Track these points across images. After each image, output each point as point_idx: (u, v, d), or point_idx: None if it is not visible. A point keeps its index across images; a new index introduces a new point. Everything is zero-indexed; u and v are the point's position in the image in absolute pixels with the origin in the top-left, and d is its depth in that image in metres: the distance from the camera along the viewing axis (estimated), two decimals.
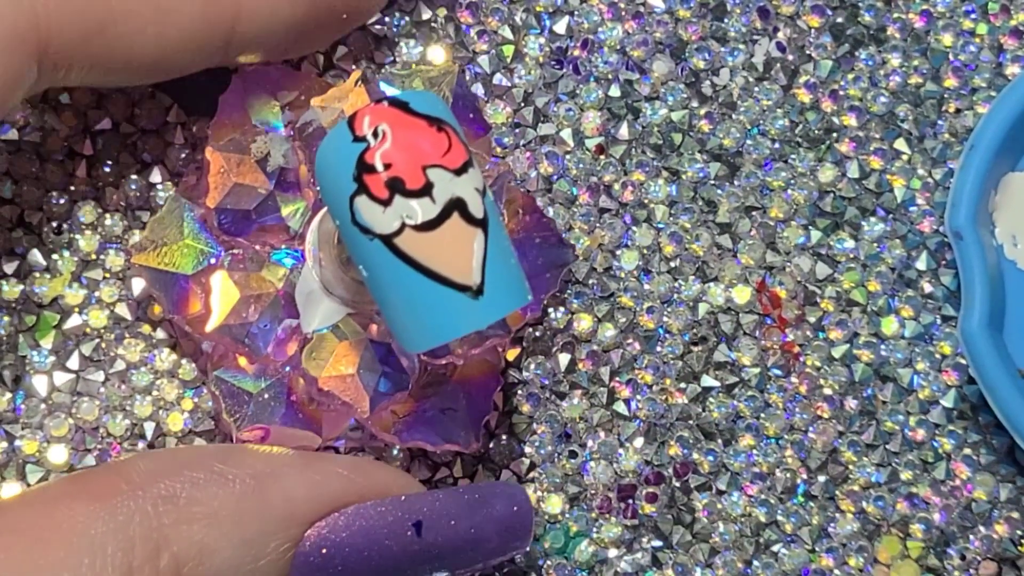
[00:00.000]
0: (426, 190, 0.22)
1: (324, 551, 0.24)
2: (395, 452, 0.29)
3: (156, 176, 0.30)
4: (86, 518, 0.22)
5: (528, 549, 0.28)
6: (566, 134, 0.31)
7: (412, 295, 0.22)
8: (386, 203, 0.22)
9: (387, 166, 0.22)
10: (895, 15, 0.33)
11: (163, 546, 0.22)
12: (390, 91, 0.28)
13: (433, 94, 0.23)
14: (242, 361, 0.27)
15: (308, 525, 0.24)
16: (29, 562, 0.21)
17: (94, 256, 0.29)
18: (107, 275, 0.29)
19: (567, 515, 0.30)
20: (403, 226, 0.22)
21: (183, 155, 0.30)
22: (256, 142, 0.27)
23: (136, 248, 0.28)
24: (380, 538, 0.24)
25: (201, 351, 0.29)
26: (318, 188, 0.24)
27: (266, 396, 0.27)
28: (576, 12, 0.32)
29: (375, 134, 0.22)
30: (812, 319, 0.31)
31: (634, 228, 0.31)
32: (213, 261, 0.27)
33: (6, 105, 0.23)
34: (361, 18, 0.29)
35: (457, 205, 0.22)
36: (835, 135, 0.32)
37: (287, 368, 0.27)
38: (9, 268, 0.29)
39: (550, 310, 0.31)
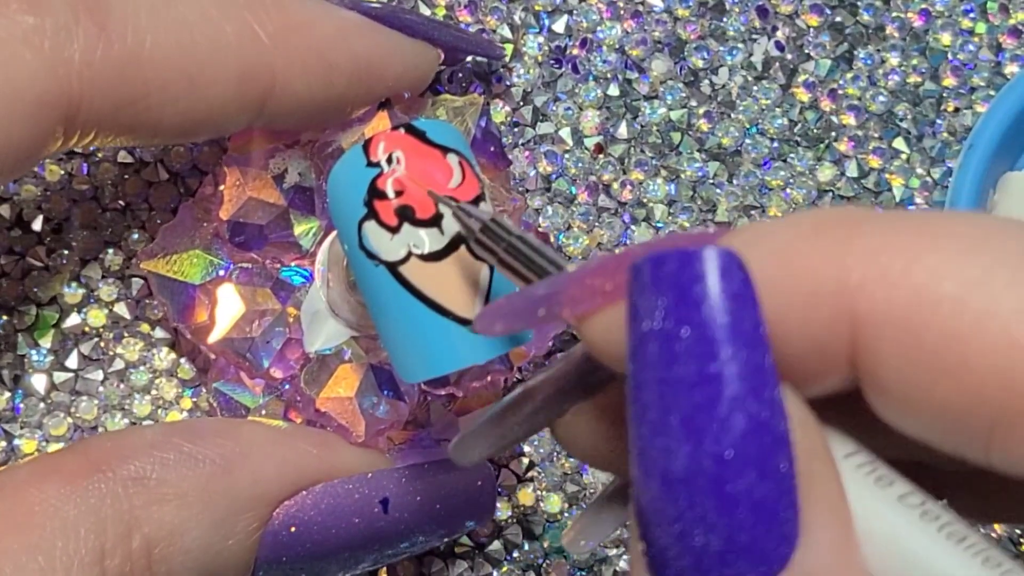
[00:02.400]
0: (435, 221, 0.22)
1: (293, 529, 0.24)
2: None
3: (156, 176, 0.30)
4: (58, 501, 0.22)
5: (491, 519, 0.28)
6: (565, 133, 0.31)
7: (413, 324, 0.22)
8: (394, 230, 0.22)
9: (398, 193, 0.22)
10: (894, 14, 0.33)
11: (134, 528, 0.22)
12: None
13: (451, 125, 0.23)
14: (245, 379, 0.28)
15: (277, 504, 0.24)
16: (1, 547, 0.21)
17: (93, 255, 0.29)
18: (106, 274, 0.29)
19: (566, 514, 0.30)
20: (409, 255, 0.22)
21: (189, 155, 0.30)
22: (274, 158, 0.27)
23: (145, 254, 0.28)
24: (348, 515, 0.25)
25: (200, 350, 0.29)
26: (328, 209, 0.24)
27: (263, 412, 0.27)
28: (575, 11, 0.32)
29: (389, 160, 0.22)
30: None
31: (633, 227, 0.31)
32: (222, 273, 0.27)
33: (26, 166, 0.23)
34: (397, 100, 0.28)
35: (465, 238, 0.22)
36: (834, 134, 0.32)
37: (286, 385, 0.27)
38: (8, 267, 0.29)
39: None
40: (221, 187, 0.27)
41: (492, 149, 0.28)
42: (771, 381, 0.15)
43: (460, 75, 0.31)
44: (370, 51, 0.26)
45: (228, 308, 0.27)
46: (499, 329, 0.19)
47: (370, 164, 0.22)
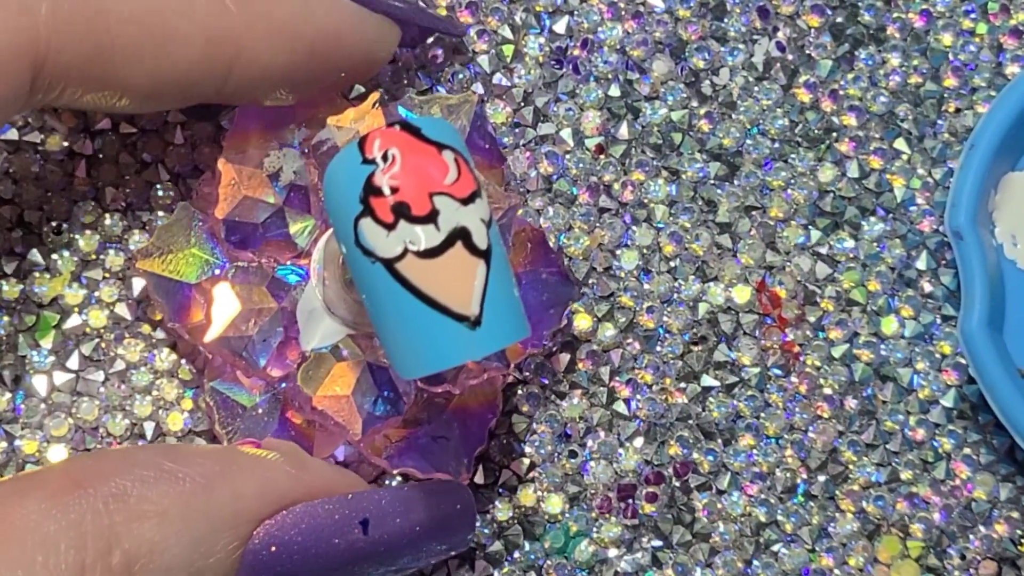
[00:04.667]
0: (431, 217, 0.22)
1: (273, 548, 0.24)
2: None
3: (156, 176, 0.30)
4: (39, 516, 0.22)
5: (471, 544, 0.28)
6: (566, 134, 0.31)
7: (409, 321, 0.22)
8: (390, 227, 0.22)
9: (394, 190, 0.22)
10: (895, 15, 0.33)
11: (114, 544, 0.22)
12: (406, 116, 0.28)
13: (446, 121, 0.23)
14: (242, 377, 0.28)
15: (257, 523, 0.24)
16: None
17: (94, 256, 0.29)
18: (107, 275, 0.29)
19: (567, 515, 0.30)
20: (405, 251, 0.22)
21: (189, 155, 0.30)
22: (269, 156, 0.27)
23: (141, 254, 0.28)
24: (327, 536, 0.25)
25: (199, 351, 0.29)
26: (324, 207, 0.24)
27: (260, 411, 0.27)
28: (576, 12, 0.32)
29: (384, 157, 0.22)
30: (812, 319, 0.31)
31: (634, 228, 0.31)
32: (217, 272, 0.27)
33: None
34: (359, 78, 0.29)
35: (461, 234, 0.22)
36: (835, 135, 0.32)
37: (283, 384, 0.27)
38: (9, 268, 0.29)
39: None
40: (218, 187, 0.27)
41: (487, 147, 0.28)
42: None
43: (461, 76, 0.31)
44: (332, 23, 0.27)
45: (224, 307, 0.27)
46: None
47: (366, 161, 0.22)
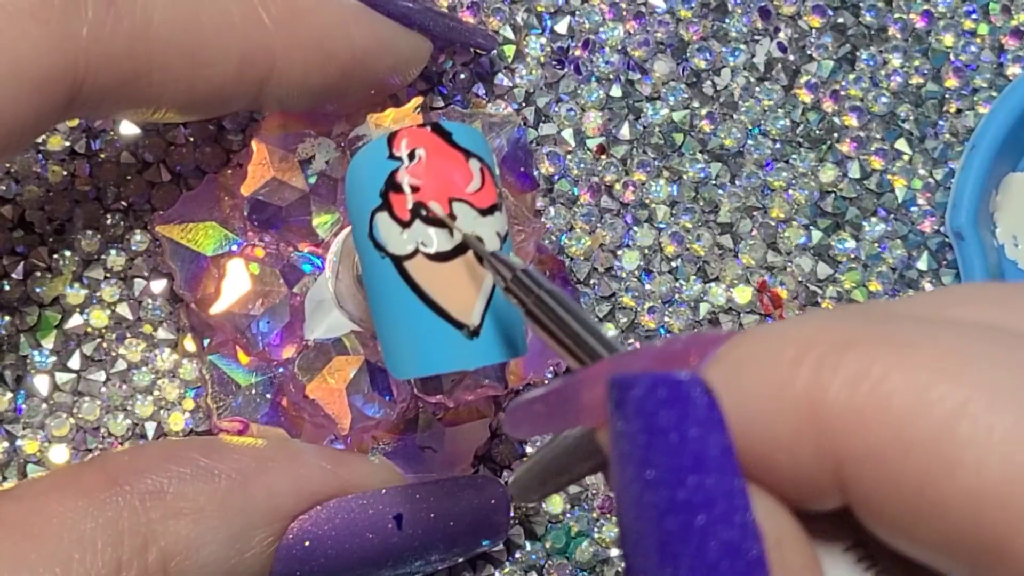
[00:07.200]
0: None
1: (307, 543, 0.24)
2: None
3: (158, 176, 0.30)
4: (75, 513, 0.22)
5: (504, 538, 0.28)
6: (567, 134, 0.31)
7: (409, 320, 0.22)
8: (406, 225, 0.22)
9: (415, 189, 0.22)
10: (896, 15, 0.33)
11: (151, 541, 0.22)
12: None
13: (479, 132, 0.23)
14: (241, 356, 0.28)
15: (292, 519, 0.25)
16: (19, 557, 0.21)
17: (95, 256, 0.29)
18: (108, 275, 0.29)
19: (568, 515, 0.30)
20: (416, 251, 0.22)
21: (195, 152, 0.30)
22: (304, 143, 0.27)
23: (162, 219, 0.28)
24: (361, 531, 0.25)
25: (203, 347, 0.29)
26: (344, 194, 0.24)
27: (253, 391, 0.27)
28: (577, 12, 0.32)
29: (411, 156, 0.22)
30: None
31: (635, 228, 0.31)
32: (234, 248, 0.28)
33: (30, 141, 0.24)
34: (388, 92, 0.28)
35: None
36: (836, 135, 0.32)
37: (280, 369, 0.27)
38: (11, 268, 0.29)
39: None
40: (247, 165, 0.27)
41: (521, 169, 0.28)
42: (741, 504, 0.15)
43: (463, 76, 0.31)
44: (366, 42, 0.26)
45: (235, 283, 0.27)
46: (525, 433, 0.18)
47: (392, 157, 0.22)
